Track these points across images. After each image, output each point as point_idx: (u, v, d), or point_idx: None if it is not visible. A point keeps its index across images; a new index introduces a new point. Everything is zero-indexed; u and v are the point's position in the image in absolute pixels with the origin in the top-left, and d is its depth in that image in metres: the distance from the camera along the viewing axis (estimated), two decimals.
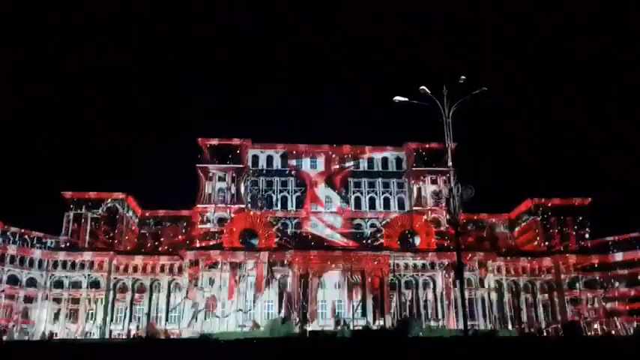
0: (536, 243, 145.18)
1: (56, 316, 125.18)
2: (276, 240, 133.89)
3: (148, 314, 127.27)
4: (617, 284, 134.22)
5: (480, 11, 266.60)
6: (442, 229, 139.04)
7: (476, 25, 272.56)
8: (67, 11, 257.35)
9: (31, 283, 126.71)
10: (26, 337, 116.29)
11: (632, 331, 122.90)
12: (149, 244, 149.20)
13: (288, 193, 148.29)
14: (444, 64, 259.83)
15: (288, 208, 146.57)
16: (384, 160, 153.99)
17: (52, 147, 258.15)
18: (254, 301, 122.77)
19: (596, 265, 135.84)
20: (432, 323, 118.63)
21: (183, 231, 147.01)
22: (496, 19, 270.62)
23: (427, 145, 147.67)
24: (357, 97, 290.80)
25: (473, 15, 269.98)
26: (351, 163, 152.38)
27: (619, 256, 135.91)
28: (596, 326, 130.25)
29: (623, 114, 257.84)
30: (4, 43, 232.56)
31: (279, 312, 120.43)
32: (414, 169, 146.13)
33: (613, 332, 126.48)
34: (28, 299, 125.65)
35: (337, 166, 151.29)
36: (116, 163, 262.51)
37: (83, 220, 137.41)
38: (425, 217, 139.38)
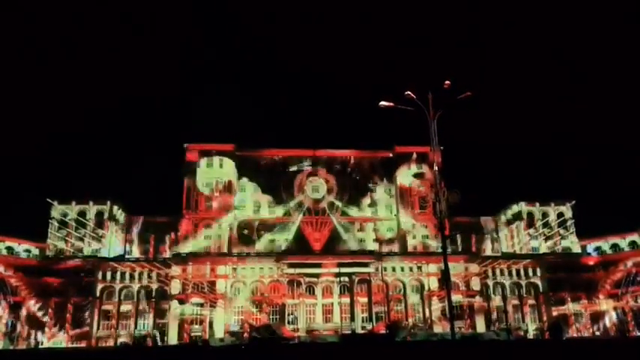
0: (521, 245, 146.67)
1: (43, 324, 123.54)
2: None
3: (135, 321, 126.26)
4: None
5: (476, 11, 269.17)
6: (428, 232, 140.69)
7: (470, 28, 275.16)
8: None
9: (16, 291, 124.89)
10: (10, 347, 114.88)
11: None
12: (136, 251, 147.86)
13: None
14: (435, 67, 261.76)
15: None
16: (371, 164, 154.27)
17: (36, 153, 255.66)
18: None
19: (580, 267, 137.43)
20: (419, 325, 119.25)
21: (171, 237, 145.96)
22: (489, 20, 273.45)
23: (414, 149, 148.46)
24: (348, 100, 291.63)
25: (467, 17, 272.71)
26: (337, 167, 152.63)
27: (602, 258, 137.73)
28: (580, 327, 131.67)
29: (610, 119, 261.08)
30: None
31: None
32: (400, 172, 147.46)
33: (598, 333, 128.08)
34: (14, 308, 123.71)
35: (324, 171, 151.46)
36: (102, 168, 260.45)
37: (69, 228, 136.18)
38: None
